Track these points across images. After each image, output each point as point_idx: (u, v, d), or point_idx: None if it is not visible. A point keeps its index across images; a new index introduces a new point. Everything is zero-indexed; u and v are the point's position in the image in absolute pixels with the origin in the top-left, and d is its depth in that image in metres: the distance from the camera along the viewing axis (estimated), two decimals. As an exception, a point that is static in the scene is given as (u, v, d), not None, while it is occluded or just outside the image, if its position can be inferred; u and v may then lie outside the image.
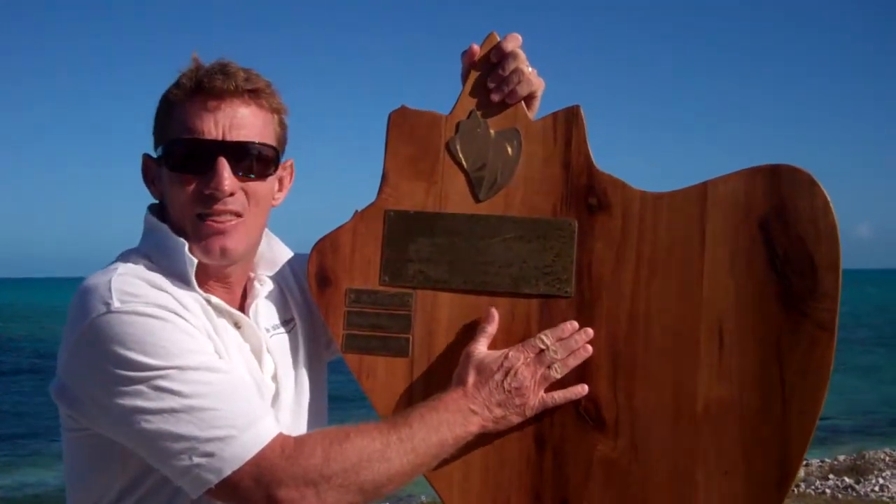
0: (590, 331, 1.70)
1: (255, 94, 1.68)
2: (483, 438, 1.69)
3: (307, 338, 1.88)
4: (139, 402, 1.49)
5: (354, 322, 1.79)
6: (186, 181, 1.65)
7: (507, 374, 1.66)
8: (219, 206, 1.65)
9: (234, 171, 1.65)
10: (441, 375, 1.75)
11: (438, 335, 1.77)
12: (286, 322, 1.86)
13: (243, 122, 1.65)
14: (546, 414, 1.72)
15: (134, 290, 1.55)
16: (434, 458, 1.61)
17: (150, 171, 1.75)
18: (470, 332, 1.75)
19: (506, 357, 1.67)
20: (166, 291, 1.59)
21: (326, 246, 1.81)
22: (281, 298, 1.88)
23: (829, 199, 1.63)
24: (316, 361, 1.90)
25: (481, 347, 1.69)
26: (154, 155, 1.74)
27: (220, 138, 1.63)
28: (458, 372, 1.69)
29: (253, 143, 1.67)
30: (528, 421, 1.71)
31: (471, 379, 1.66)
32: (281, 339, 1.82)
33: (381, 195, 1.80)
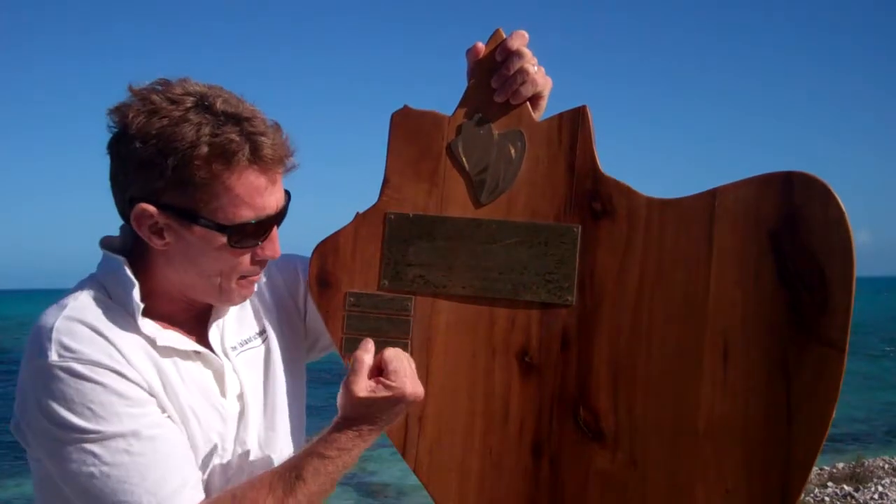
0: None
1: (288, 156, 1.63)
2: (481, 448, 1.65)
3: (283, 345, 1.83)
4: (65, 457, 1.49)
5: (354, 325, 1.76)
6: (244, 252, 1.62)
7: (395, 404, 1.60)
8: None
9: None
10: (438, 381, 1.72)
11: (437, 341, 1.74)
12: (259, 334, 1.81)
13: (281, 185, 1.64)
14: (544, 424, 1.68)
15: (72, 342, 1.51)
16: (332, 489, 1.58)
17: (157, 223, 1.55)
18: (468, 338, 1.72)
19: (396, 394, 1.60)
20: (108, 339, 1.53)
21: (328, 248, 1.78)
22: (252, 310, 1.83)
23: (844, 210, 1.56)
24: (293, 368, 1.85)
25: (361, 382, 1.59)
26: (159, 204, 1.52)
27: (275, 211, 1.62)
28: (342, 409, 1.60)
29: (287, 205, 1.66)
30: (526, 431, 1.69)
31: (357, 415, 1.59)
32: (252, 354, 1.77)
33: (383, 197, 1.77)
